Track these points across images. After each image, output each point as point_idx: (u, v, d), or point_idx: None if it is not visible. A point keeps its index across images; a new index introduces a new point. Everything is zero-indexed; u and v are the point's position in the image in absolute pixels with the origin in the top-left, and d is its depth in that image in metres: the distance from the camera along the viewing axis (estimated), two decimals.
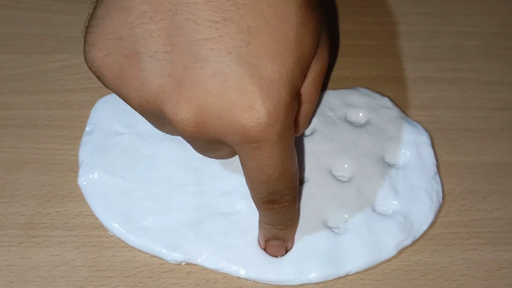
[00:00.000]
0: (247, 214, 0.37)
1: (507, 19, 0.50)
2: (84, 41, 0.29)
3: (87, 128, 0.40)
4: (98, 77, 0.30)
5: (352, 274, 0.36)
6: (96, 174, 0.38)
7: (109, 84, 0.29)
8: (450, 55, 0.47)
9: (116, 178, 0.38)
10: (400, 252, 0.37)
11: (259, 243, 0.36)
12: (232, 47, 0.27)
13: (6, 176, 0.39)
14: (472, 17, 0.50)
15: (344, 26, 0.49)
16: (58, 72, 0.44)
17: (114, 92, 0.30)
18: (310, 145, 0.40)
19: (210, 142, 0.30)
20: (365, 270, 0.36)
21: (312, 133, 0.40)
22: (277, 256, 0.36)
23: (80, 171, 0.38)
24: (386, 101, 0.42)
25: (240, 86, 0.27)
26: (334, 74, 0.45)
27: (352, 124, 0.41)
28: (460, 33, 0.49)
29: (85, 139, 0.40)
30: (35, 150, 0.40)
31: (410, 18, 0.50)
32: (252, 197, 0.32)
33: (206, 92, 0.27)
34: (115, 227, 0.36)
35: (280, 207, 0.32)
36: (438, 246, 0.37)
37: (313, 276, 0.35)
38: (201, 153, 0.33)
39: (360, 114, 0.42)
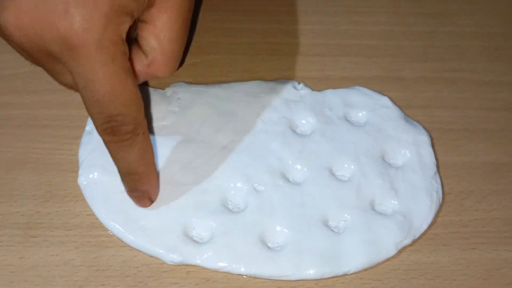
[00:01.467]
0: (249, 212, 0.37)
1: (506, 19, 0.50)
2: None
3: (87, 128, 0.40)
4: None
5: (351, 274, 0.36)
6: (96, 173, 0.38)
7: None
8: (449, 55, 0.47)
9: (116, 178, 0.38)
10: (400, 251, 0.37)
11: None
12: None
13: (5, 176, 0.39)
14: (472, 17, 0.50)
15: (343, 26, 0.49)
16: None
17: None
18: (310, 145, 0.40)
19: (43, 56, 0.31)
20: (365, 270, 0.36)
21: (311, 133, 0.40)
22: (143, 207, 0.37)
23: (80, 171, 0.38)
24: (386, 101, 0.42)
25: None
26: (333, 74, 0.45)
27: (352, 123, 0.41)
28: (460, 33, 0.49)
29: (85, 139, 0.40)
30: (35, 150, 0.40)
31: (409, 18, 0.50)
32: (95, 126, 0.32)
33: None
34: (115, 226, 0.36)
35: (120, 141, 0.32)
36: (438, 245, 0.37)
37: (311, 272, 0.35)
38: (54, 79, 0.33)
39: (360, 114, 0.42)
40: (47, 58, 0.31)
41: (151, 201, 0.37)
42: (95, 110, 0.31)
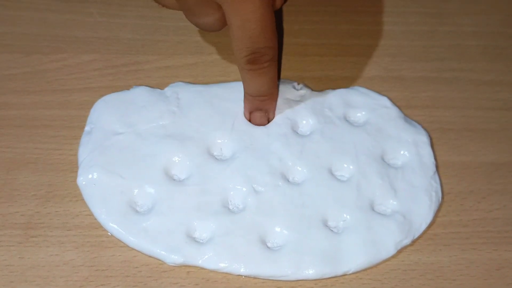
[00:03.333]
0: (250, 212, 0.37)
1: (506, 19, 0.50)
2: None
3: (86, 128, 0.40)
4: None
5: (351, 274, 0.36)
6: (95, 174, 0.38)
7: None
8: (449, 54, 0.47)
9: (116, 178, 0.38)
10: (400, 251, 0.37)
11: (244, 115, 0.41)
12: None
13: (5, 176, 0.39)
14: (472, 17, 0.50)
15: (343, 26, 0.49)
16: (57, 72, 0.44)
17: None
18: (310, 145, 0.40)
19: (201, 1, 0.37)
20: (364, 270, 0.36)
21: (311, 133, 0.40)
22: (261, 125, 0.40)
23: (79, 171, 0.38)
24: (385, 101, 0.42)
25: None
26: (333, 74, 0.45)
27: (351, 123, 0.41)
28: (460, 33, 0.49)
29: (84, 139, 0.40)
30: (34, 150, 0.40)
31: (409, 17, 0.50)
32: (236, 59, 0.37)
33: None
34: (114, 227, 0.36)
35: (260, 68, 0.37)
36: (437, 245, 0.37)
37: (310, 272, 0.35)
38: (191, 19, 0.40)
39: (359, 114, 0.42)
40: (202, 3, 0.37)
41: (269, 120, 0.41)
42: (244, 45, 0.36)
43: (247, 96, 0.40)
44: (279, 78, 0.44)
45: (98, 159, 0.38)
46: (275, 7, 0.39)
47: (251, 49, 0.36)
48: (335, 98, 0.42)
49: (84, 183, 0.38)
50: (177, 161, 0.39)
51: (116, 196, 0.37)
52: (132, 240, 0.36)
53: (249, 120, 0.41)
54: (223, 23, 0.39)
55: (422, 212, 0.37)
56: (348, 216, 0.37)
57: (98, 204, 0.37)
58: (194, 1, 0.38)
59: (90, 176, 0.38)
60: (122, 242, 0.36)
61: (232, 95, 0.42)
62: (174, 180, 0.38)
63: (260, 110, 0.40)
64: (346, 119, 0.41)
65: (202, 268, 0.36)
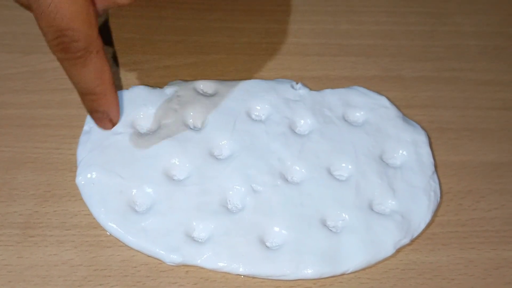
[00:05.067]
0: (249, 212, 0.37)
1: (506, 19, 0.50)
2: None
3: (85, 128, 0.40)
4: None
5: (350, 273, 0.36)
6: (94, 173, 0.38)
7: None
8: (449, 54, 0.47)
9: (115, 178, 0.38)
10: (398, 251, 0.37)
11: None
12: None
13: (4, 176, 0.39)
14: (471, 16, 0.50)
15: (342, 25, 0.49)
16: (56, 71, 0.44)
17: None
18: (308, 144, 0.40)
19: None
20: (363, 269, 0.36)
21: (310, 133, 0.40)
22: (105, 129, 0.36)
23: (78, 171, 0.38)
24: (384, 101, 0.42)
25: None
26: (332, 73, 0.45)
27: (350, 123, 0.41)
28: (459, 32, 0.49)
29: (83, 138, 0.40)
30: (33, 150, 0.40)
31: (409, 17, 0.50)
32: (47, 44, 0.32)
33: None
34: (113, 227, 0.36)
35: (73, 58, 0.32)
36: (436, 245, 0.37)
37: (309, 272, 0.35)
38: None
39: (358, 114, 0.42)
40: None
41: (112, 123, 0.36)
42: (44, 24, 0.30)
43: (78, 93, 0.35)
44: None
45: (97, 159, 0.38)
46: (116, 2, 0.34)
47: (53, 30, 0.30)
48: (334, 98, 0.42)
49: (83, 182, 0.38)
50: (177, 160, 0.39)
51: (115, 195, 0.37)
52: (131, 240, 0.36)
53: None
54: None
55: (421, 212, 0.37)
56: (347, 216, 0.37)
57: (97, 203, 0.37)
58: None
59: (89, 175, 0.38)
60: (121, 242, 0.36)
61: (233, 93, 0.42)
62: (174, 179, 0.38)
63: (96, 111, 0.35)
64: (345, 119, 0.41)
65: (201, 268, 0.36)
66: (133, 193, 0.37)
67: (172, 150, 0.39)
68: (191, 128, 0.40)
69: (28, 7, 0.32)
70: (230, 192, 0.38)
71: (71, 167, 0.39)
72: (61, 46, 0.31)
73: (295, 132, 0.41)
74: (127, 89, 0.42)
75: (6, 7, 0.48)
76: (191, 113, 0.41)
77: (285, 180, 0.38)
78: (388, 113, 0.42)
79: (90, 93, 0.34)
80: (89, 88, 0.34)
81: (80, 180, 0.38)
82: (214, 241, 0.36)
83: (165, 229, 0.36)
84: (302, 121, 0.41)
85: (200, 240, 0.36)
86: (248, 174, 0.38)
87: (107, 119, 0.35)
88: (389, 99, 0.43)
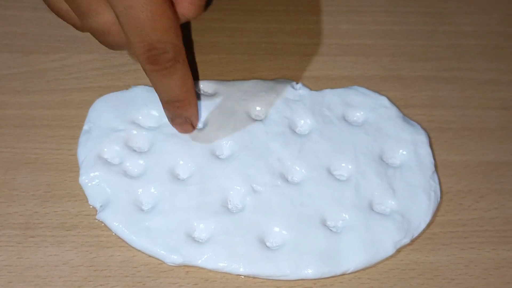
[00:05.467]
0: (249, 212, 0.37)
1: (506, 18, 0.50)
2: None
3: (85, 127, 0.40)
4: None
5: (350, 273, 0.36)
6: (97, 172, 0.38)
7: None
8: (448, 54, 0.47)
9: (119, 177, 0.38)
10: (398, 251, 0.37)
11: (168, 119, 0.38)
12: None
13: (4, 176, 0.39)
14: (471, 16, 0.50)
15: (342, 25, 0.49)
16: (56, 71, 0.44)
17: None
18: (308, 144, 0.40)
19: None
20: (363, 269, 0.36)
21: (310, 133, 0.40)
22: (185, 133, 0.39)
23: (81, 170, 0.38)
24: (384, 100, 0.42)
25: None
26: (332, 73, 0.45)
27: (350, 123, 0.41)
28: (459, 32, 0.49)
29: (83, 138, 0.40)
30: (33, 150, 0.40)
31: (408, 17, 0.50)
32: (138, 60, 0.33)
33: None
34: (117, 226, 0.36)
35: (162, 69, 0.33)
36: (436, 245, 0.37)
37: (309, 272, 0.35)
38: (81, 19, 0.34)
39: (358, 114, 0.42)
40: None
41: (193, 127, 0.39)
42: (136, 39, 0.32)
43: (161, 102, 0.37)
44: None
45: (99, 158, 0.39)
46: (184, 15, 0.35)
47: (145, 44, 0.32)
48: (334, 97, 0.42)
49: (86, 181, 0.38)
50: (179, 159, 0.39)
51: (119, 195, 0.37)
52: (134, 240, 0.36)
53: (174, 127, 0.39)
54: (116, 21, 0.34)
55: (421, 212, 0.37)
56: (347, 216, 0.37)
57: (101, 202, 0.37)
58: None
59: (92, 174, 0.38)
60: (121, 242, 0.36)
61: (233, 93, 0.42)
62: (178, 179, 0.38)
63: (179, 117, 0.37)
64: (345, 119, 0.41)
65: (201, 268, 0.36)
66: (138, 193, 0.37)
67: (174, 150, 0.39)
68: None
69: (99, 35, 0.34)
70: (231, 192, 0.38)
71: (71, 167, 0.39)
72: (152, 58, 0.32)
73: (295, 132, 0.41)
74: (127, 89, 0.42)
75: (6, 7, 0.48)
76: None
77: (285, 180, 0.38)
78: (388, 113, 0.42)
79: (175, 100, 0.36)
80: (174, 96, 0.35)
81: (83, 179, 0.38)
82: (215, 241, 0.36)
83: (167, 229, 0.36)
84: (302, 121, 0.41)
85: (200, 240, 0.36)
86: (248, 174, 0.38)
87: (189, 123, 0.38)
88: (389, 98, 0.43)
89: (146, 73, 0.34)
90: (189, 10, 0.35)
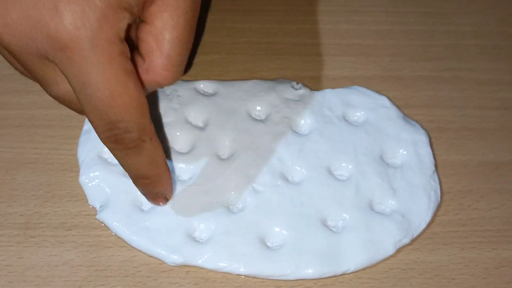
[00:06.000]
0: (250, 212, 0.37)
1: (505, 18, 0.50)
2: None
3: (85, 127, 0.40)
4: None
5: (350, 273, 0.36)
6: (97, 172, 0.38)
7: None
8: (448, 54, 0.47)
9: (118, 177, 0.38)
10: (399, 250, 0.37)
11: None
12: None
13: (4, 176, 0.39)
14: (471, 16, 0.50)
15: (342, 25, 0.49)
16: None
17: None
18: (308, 144, 0.40)
19: (34, 60, 0.28)
20: (364, 269, 0.36)
21: (310, 132, 0.40)
22: (160, 206, 0.36)
23: (81, 170, 0.38)
24: (384, 100, 0.42)
25: None
26: (332, 73, 0.45)
27: (350, 123, 0.41)
28: (459, 32, 0.49)
29: (83, 138, 0.40)
30: (33, 150, 0.40)
31: (408, 17, 0.50)
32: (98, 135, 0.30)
33: None
34: (117, 226, 0.36)
35: (126, 149, 0.30)
36: (436, 244, 0.37)
37: (309, 272, 0.35)
38: (43, 88, 0.31)
39: (358, 114, 0.42)
40: (39, 62, 0.29)
41: (167, 199, 0.36)
42: (94, 117, 0.29)
43: (130, 177, 0.34)
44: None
45: (99, 158, 0.39)
46: (163, 79, 0.31)
47: (105, 123, 0.29)
48: (334, 97, 0.42)
49: (86, 181, 0.38)
50: (180, 160, 0.39)
51: (119, 195, 0.37)
52: (134, 240, 0.36)
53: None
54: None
55: (421, 211, 0.37)
56: (347, 216, 0.37)
57: (101, 202, 0.37)
58: (29, 62, 0.29)
59: (91, 174, 0.38)
60: (122, 242, 0.36)
61: (233, 93, 0.42)
62: (177, 179, 0.38)
63: (150, 193, 0.35)
64: (345, 119, 0.41)
65: (202, 268, 0.36)
66: (137, 192, 0.37)
67: (174, 149, 0.39)
68: (192, 128, 0.40)
69: (65, 103, 0.31)
70: (232, 192, 0.38)
71: (72, 167, 0.39)
72: (113, 138, 0.30)
73: (295, 132, 0.41)
74: None
75: None
76: (192, 113, 0.41)
77: (286, 180, 0.38)
78: (388, 112, 0.42)
79: (144, 178, 0.33)
80: (142, 174, 0.33)
81: (83, 179, 0.38)
82: (215, 241, 0.36)
83: (167, 229, 0.36)
84: (302, 121, 0.41)
85: (201, 240, 0.36)
86: (249, 174, 0.38)
87: (162, 197, 0.36)
88: (389, 98, 0.43)
89: (109, 150, 0.31)
90: (163, 76, 0.31)
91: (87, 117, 0.29)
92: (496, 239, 0.37)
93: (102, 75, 0.27)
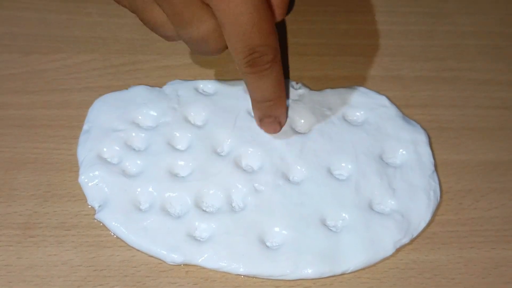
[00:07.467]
0: (250, 211, 0.37)
1: (505, 18, 0.50)
2: None
3: (84, 127, 0.40)
4: None
5: (349, 273, 0.36)
6: (97, 172, 0.38)
7: None
8: (448, 54, 0.47)
9: (118, 176, 0.38)
10: (398, 250, 0.36)
11: (256, 123, 0.40)
12: None
13: (4, 176, 0.39)
14: (471, 16, 0.50)
15: (342, 25, 0.49)
16: (56, 72, 0.44)
17: None
18: (308, 144, 0.40)
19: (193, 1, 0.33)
20: (363, 269, 0.36)
21: (310, 132, 0.40)
22: (273, 133, 0.40)
23: (81, 170, 0.38)
24: (384, 100, 0.42)
25: None
26: (332, 73, 0.45)
27: (350, 123, 0.41)
28: (458, 32, 0.49)
29: (82, 138, 0.40)
30: (33, 150, 0.40)
31: (408, 17, 0.50)
32: (236, 63, 0.35)
33: None
34: (116, 226, 0.36)
35: (261, 71, 0.34)
36: (436, 244, 0.37)
37: (309, 271, 0.35)
38: (183, 33, 0.34)
39: (358, 113, 0.42)
40: (196, 2, 0.33)
41: (281, 126, 0.40)
42: (240, 44, 0.33)
43: (253, 102, 0.38)
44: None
45: (99, 157, 0.39)
46: (275, 17, 0.37)
47: (248, 49, 0.33)
48: (334, 97, 0.42)
49: (86, 180, 0.38)
50: (179, 158, 0.39)
51: (118, 194, 0.37)
52: (133, 240, 0.36)
53: (261, 128, 0.40)
54: (218, 31, 0.34)
55: (421, 211, 0.37)
56: (346, 215, 0.37)
57: (101, 202, 0.37)
58: (180, 1, 0.33)
59: (91, 174, 0.38)
60: (121, 242, 0.36)
61: (233, 92, 0.42)
62: (177, 178, 0.38)
63: (269, 116, 0.39)
64: (345, 119, 0.41)
65: (201, 268, 0.36)
66: (137, 192, 0.37)
67: (174, 148, 0.39)
68: (192, 127, 0.40)
69: (209, 42, 0.35)
70: (233, 191, 0.38)
71: (71, 167, 0.39)
72: (252, 61, 0.34)
73: (295, 131, 0.41)
74: (126, 89, 0.42)
75: (6, 7, 0.48)
76: (192, 112, 0.41)
77: (287, 179, 0.38)
78: (388, 112, 0.42)
79: (268, 100, 0.37)
80: (267, 96, 0.37)
81: (83, 179, 0.38)
82: (215, 240, 0.36)
83: (166, 228, 0.36)
84: (302, 121, 0.41)
85: (201, 239, 0.36)
86: (250, 173, 0.38)
87: (277, 122, 0.39)
88: (389, 98, 0.43)
89: (242, 75, 0.35)
90: (276, 13, 0.37)
91: (231, 45, 0.33)
92: (496, 239, 0.37)
93: (253, 6, 0.32)
